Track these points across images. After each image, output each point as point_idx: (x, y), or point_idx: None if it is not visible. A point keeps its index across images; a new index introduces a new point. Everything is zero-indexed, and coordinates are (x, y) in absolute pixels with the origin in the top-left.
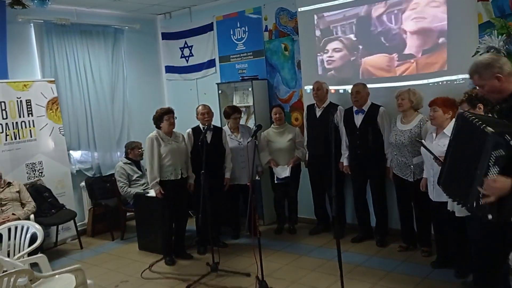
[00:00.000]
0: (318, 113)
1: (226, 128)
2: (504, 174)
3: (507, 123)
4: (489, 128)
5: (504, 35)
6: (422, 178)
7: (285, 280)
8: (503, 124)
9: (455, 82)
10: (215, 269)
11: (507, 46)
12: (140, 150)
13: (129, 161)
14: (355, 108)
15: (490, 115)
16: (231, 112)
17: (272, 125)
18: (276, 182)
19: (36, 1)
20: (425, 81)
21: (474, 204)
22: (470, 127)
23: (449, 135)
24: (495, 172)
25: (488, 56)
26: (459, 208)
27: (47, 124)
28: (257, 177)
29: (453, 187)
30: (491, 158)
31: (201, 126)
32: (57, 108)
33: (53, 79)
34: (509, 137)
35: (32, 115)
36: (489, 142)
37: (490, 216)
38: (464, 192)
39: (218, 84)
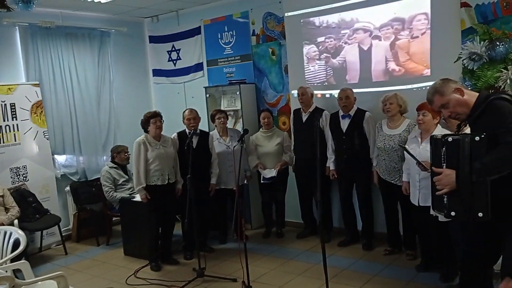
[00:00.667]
0: (304, 117)
1: (214, 132)
2: (451, 167)
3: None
4: (437, 136)
5: (487, 41)
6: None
7: (271, 285)
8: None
9: None
10: (201, 275)
11: (489, 52)
12: (126, 154)
13: (115, 165)
14: (341, 113)
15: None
16: (215, 114)
17: (261, 129)
18: (262, 181)
19: (20, 4)
20: (409, 86)
21: (434, 201)
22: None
23: None
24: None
25: (439, 80)
26: None
27: (31, 128)
28: (245, 182)
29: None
30: (442, 157)
31: (187, 131)
32: (42, 111)
33: (37, 82)
34: (447, 136)
35: (16, 119)
36: (437, 146)
37: (453, 213)
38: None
39: (206, 87)
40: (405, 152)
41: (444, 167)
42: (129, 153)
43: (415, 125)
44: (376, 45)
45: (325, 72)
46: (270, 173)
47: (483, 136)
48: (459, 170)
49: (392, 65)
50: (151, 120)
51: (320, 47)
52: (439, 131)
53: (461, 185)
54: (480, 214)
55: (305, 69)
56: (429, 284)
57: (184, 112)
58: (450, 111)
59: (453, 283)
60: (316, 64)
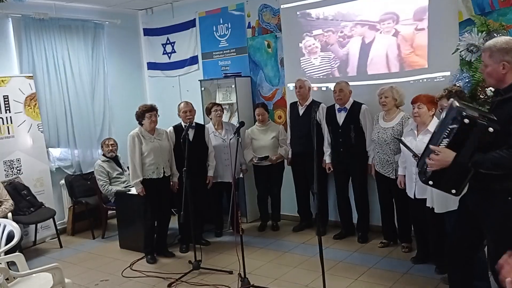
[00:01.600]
0: (301, 111)
1: (210, 125)
2: (454, 148)
3: (486, 112)
4: (457, 104)
5: (484, 32)
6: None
7: (267, 277)
8: (479, 111)
9: (435, 80)
10: (197, 267)
11: None
12: (109, 146)
13: (108, 159)
14: (337, 106)
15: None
16: (210, 107)
17: (256, 123)
18: (255, 162)
19: None
20: (406, 79)
21: (420, 169)
22: (450, 111)
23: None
24: (445, 143)
25: (508, 41)
26: (438, 205)
27: (25, 120)
28: (241, 175)
29: (420, 160)
30: (446, 130)
31: (183, 124)
32: (35, 104)
33: (31, 75)
34: (466, 114)
35: (9, 112)
36: (451, 114)
37: (431, 182)
38: (422, 160)
39: (201, 81)
40: (401, 144)
41: (445, 142)
42: (114, 144)
43: (409, 118)
44: (373, 38)
45: (322, 65)
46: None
47: (497, 129)
48: (459, 155)
49: (390, 58)
50: (147, 114)
51: (317, 40)
52: (435, 123)
53: (452, 167)
54: (453, 191)
55: (302, 62)
56: (424, 276)
57: (179, 105)
58: (483, 71)
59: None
60: (313, 57)
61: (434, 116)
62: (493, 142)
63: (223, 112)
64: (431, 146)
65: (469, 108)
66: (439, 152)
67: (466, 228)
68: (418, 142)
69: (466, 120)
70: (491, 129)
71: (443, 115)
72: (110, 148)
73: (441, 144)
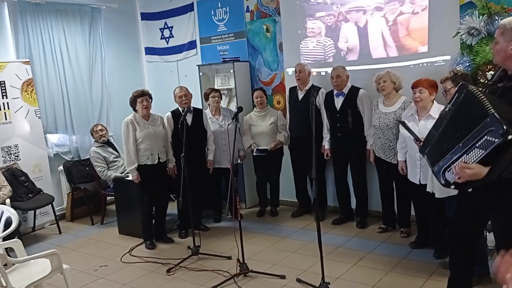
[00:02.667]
0: (300, 95)
1: (207, 111)
2: (488, 160)
3: (507, 105)
4: (492, 110)
5: (485, 15)
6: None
7: (266, 262)
8: (504, 107)
9: (436, 64)
10: (196, 253)
11: (488, 27)
12: (99, 132)
13: (101, 144)
14: (335, 91)
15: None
16: (209, 92)
17: (255, 109)
18: (254, 154)
19: None
20: (406, 63)
21: (441, 172)
22: (472, 102)
23: (436, 117)
24: (478, 154)
25: None
26: (439, 190)
27: (22, 106)
28: (239, 161)
29: (434, 152)
30: (481, 139)
31: (180, 109)
32: (33, 90)
33: (27, 60)
34: (509, 128)
35: (6, 97)
36: (487, 124)
37: (452, 187)
38: (438, 156)
39: (199, 66)
40: (400, 129)
41: (479, 154)
42: (103, 130)
43: (410, 102)
44: (373, 22)
45: (322, 50)
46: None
47: None
48: (492, 171)
49: (389, 42)
50: (138, 99)
51: (317, 24)
52: (436, 107)
53: (481, 179)
54: (470, 190)
55: (301, 45)
56: (423, 260)
57: (174, 90)
58: (493, 48)
59: (446, 260)
60: (312, 41)
61: (435, 101)
62: None
63: (221, 98)
64: (462, 164)
65: (492, 102)
66: (471, 168)
67: (468, 220)
68: (421, 127)
69: (511, 137)
70: None
71: (456, 101)
72: (100, 133)
73: (471, 152)
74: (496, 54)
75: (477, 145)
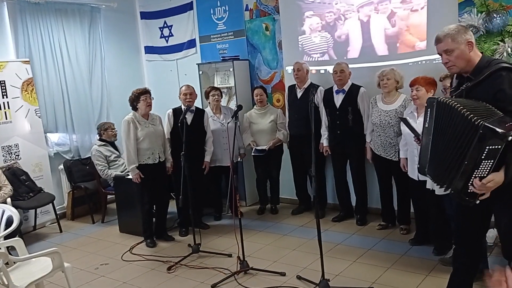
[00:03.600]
0: (299, 93)
1: (208, 109)
2: (497, 165)
3: (487, 106)
4: (479, 120)
5: (484, 13)
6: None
7: (266, 259)
8: (481, 108)
9: (434, 62)
10: (197, 250)
11: (486, 24)
12: (113, 131)
13: (104, 143)
14: (335, 88)
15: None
16: (209, 91)
17: (255, 107)
18: (253, 154)
19: None
20: (404, 61)
21: (462, 192)
22: (450, 112)
23: None
24: (489, 165)
25: (457, 25)
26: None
27: (22, 105)
28: (239, 159)
29: (439, 174)
30: (484, 151)
31: (182, 107)
32: (33, 89)
33: (27, 60)
34: (503, 132)
35: (6, 97)
36: (483, 135)
37: (478, 202)
38: (451, 179)
39: (198, 64)
40: (402, 126)
41: (489, 164)
42: (115, 129)
43: (411, 100)
44: (373, 19)
45: (321, 47)
46: (261, 146)
47: None
48: (508, 175)
49: (388, 40)
50: (141, 97)
51: (317, 22)
52: None
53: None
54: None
55: (301, 43)
56: (422, 257)
57: (181, 87)
58: (449, 60)
59: (446, 256)
60: (311, 39)
61: None
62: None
63: (221, 97)
64: (478, 182)
65: (472, 109)
66: (490, 181)
67: (472, 216)
68: (418, 125)
69: (511, 138)
70: None
71: (431, 116)
72: (112, 132)
73: (481, 166)
74: (458, 61)
75: (483, 157)
